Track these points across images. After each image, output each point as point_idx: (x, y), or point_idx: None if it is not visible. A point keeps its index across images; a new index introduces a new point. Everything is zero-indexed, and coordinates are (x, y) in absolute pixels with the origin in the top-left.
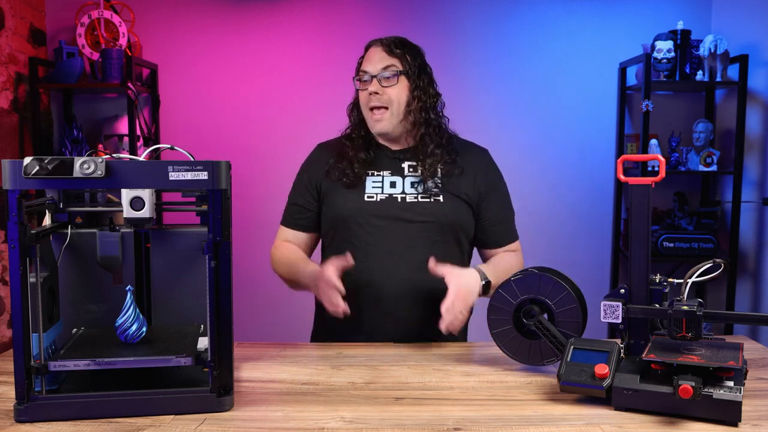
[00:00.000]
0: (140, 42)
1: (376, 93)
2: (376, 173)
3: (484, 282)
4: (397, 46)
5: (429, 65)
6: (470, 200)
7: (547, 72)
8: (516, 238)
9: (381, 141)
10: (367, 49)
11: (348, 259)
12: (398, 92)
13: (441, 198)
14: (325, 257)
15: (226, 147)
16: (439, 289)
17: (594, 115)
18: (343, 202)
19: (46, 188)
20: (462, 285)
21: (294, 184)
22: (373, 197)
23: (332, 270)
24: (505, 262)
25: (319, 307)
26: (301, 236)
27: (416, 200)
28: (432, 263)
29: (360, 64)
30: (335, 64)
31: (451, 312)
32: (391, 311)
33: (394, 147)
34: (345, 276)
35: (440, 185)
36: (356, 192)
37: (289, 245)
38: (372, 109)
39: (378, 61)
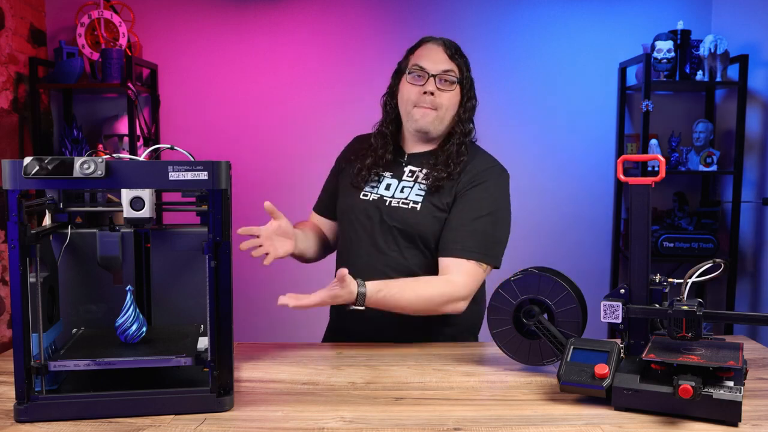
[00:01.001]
0: (140, 42)
1: (432, 94)
2: (380, 173)
3: (352, 308)
4: (457, 53)
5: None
6: (447, 207)
7: (547, 72)
8: (470, 258)
9: (408, 137)
10: (420, 44)
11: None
12: (450, 99)
13: (418, 206)
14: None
15: (226, 147)
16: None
17: (594, 115)
18: (345, 197)
19: (46, 188)
20: (328, 299)
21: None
22: (366, 196)
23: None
24: (405, 287)
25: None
26: (323, 221)
27: (397, 205)
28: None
29: (409, 57)
30: (335, 64)
31: (297, 300)
32: (362, 310)
33: (413, 149)
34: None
35: (424, 193)
36: (357, 189)
37: (304, 223)
38: (417, 106)
39: (440, 61)
